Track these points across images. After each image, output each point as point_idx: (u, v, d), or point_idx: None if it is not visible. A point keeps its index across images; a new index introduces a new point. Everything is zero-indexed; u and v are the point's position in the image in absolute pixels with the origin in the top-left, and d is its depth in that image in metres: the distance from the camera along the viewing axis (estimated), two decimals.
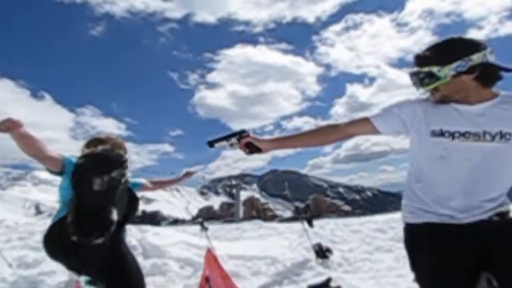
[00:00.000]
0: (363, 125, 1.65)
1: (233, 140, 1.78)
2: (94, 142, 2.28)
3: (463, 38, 1.45)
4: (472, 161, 1.41)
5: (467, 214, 1.44)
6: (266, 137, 1.80)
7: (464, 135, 1.42)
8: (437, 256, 1.46)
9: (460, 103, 1.45)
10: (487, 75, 1.41)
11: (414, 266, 1.56)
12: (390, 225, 7.46)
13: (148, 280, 4.43)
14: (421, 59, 1.49)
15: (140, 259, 4.87)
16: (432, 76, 1.44)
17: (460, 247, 1.44)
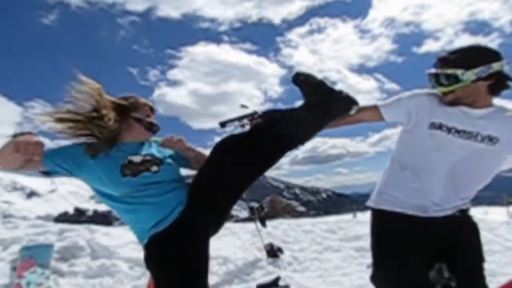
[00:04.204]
0: (370, 112, 1.76)
1: (245, 121, 1.83)
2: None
3: (486, 46, 1.57)
4: (458, 156, 1.55)
5: (439, 208, 1.57)
6: None
7: (459, 132, 1.54)
8: (403, 246, 1.58)
9: (466, 106, 1.57)
10: (500, 83, 1.53)
11: (379, 253, 1.66)
12: (340, 225, 7.73)
13: (95, 281, 4.34)
14: (445, 61, 1.58)
15: (87, 260, 4.73)
16: (454, 78, 1.53)
17: (425, 240, 1.57)
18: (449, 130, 1.56)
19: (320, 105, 1.56)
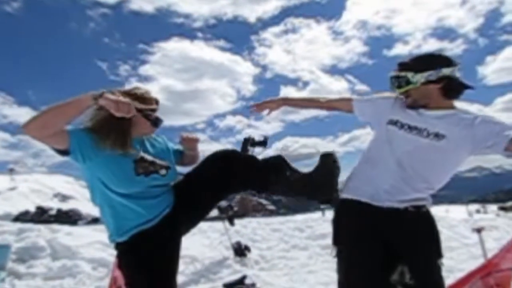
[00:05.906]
0: (344, 103, 1.99)
1: (249, 148, 2.02)
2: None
3: (439, 53, 1.73)
4: (403, 149, 1.66)
5: (392, 198, 1.65)
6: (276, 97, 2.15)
7: (410, 128, 1.68)
8: (354, 233, 1.68)
9: (423, 108, 1.70)
10: (450, 87, 1.67)
11: (334, 240, 1.77)
12: (308, 224, 7.85)
13: (55, 283, 4.19)
14: (402, 65, 1.75)
15: (47, 261, 4.57)
16: (406, 81, 1.70)
17: (377, 228, 1.65)
18: (402, 126, 1.70)
19: (316, 187, 1.73)
